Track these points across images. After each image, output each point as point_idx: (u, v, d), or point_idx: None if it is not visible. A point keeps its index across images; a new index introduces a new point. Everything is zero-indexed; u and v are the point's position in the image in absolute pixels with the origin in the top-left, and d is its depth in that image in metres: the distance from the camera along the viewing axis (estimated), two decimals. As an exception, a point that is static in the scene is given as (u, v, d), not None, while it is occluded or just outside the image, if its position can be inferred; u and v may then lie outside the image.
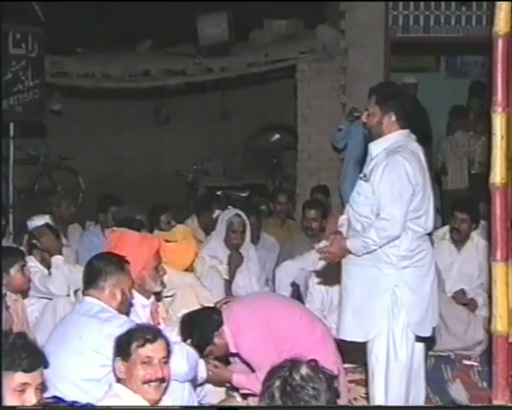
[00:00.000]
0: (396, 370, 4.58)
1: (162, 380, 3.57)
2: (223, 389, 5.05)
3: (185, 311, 5.08)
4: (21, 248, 5.57)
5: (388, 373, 4.58)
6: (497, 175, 4.11)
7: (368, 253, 4.53)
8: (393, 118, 4.60)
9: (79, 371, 3.85)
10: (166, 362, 3.59)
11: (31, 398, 3.02)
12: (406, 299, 4.57)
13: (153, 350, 3.54)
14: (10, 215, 8.11)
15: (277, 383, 2.61)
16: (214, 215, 6.87)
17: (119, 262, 4.17)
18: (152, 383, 3.51)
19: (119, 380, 3.58)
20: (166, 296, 5.12)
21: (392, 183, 4.47)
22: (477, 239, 6.41)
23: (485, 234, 6.54)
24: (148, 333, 3.59)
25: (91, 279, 4.13)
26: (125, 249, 4.47)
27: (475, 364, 5.81)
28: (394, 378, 4.58)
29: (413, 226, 4.55)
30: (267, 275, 7.02)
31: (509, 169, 4.10)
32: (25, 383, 3.01)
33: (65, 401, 2.90)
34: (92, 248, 6.79)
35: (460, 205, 6.56)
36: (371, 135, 4.66)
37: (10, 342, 3.08)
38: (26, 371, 3.01)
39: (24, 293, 5.18)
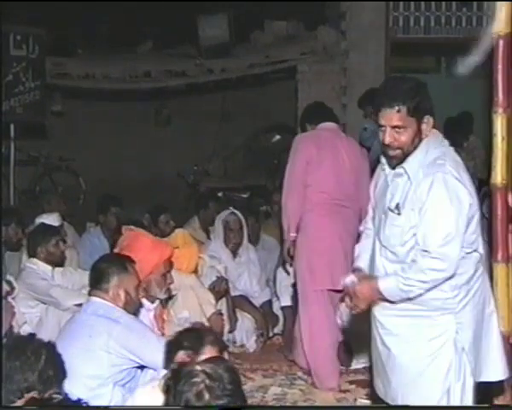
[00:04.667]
0: None
1: None
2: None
3: (186, 312, 5.08)
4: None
5: None
6: (498, 176, 4.11)
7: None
8: (431, 120, 3.65)
9: (87, 368, 3.86)
10: None
11: None
12: (467, 342, 3.64)
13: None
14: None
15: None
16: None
17: (121, 263, 4.16)
18: None
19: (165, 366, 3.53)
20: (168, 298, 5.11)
21: (442, 212, 3.48)
22: None
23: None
24: (221, 342, 3.60)
25: (96, 281, 4.15)
26: (136, 251, 4.45)
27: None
28: None
29: (467, 250, 3.61)
30: (268, 276, 7.02)
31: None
32: None
33: (69, 399, 2.90)
34: (93, 249, 6.78)
35: None
36: (404, 156, 3.60)
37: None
38: None
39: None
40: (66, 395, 2.90)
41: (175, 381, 2.52)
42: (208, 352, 3.44)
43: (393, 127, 3.57)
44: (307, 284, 5.50)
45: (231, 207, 6.89)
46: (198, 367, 2.52)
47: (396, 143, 3.58)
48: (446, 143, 3.72)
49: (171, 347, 3.49)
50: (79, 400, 2.89)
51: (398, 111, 3.55)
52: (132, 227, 5.20)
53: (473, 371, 3.64)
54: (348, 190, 5.52)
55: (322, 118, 5.67)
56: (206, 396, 2.47)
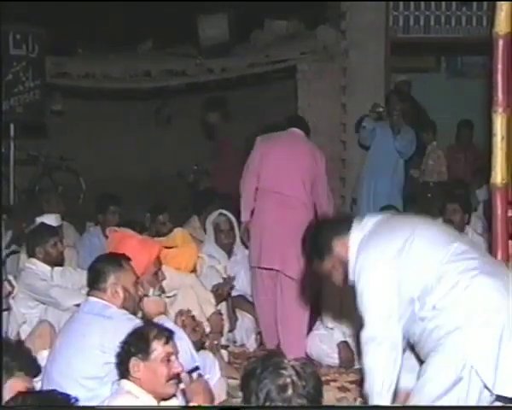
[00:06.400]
0: None
1: (179, 376, 3.60)
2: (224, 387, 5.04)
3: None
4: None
5: None
6: (498, 175, 4.12)
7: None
8: (338, 242, 3.83)
9: (83, 369, 3.86)
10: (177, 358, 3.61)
11: None
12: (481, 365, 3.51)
13: (172, 347, 3.54)
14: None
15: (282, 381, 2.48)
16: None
17: (116, 261, 4.18)
18: (173, 380, 3.51)
19: (123, 377, 3.55)
20: (167, 297, 5.11)
21: (361, 294, 3.70)
22: (471, 234, 6.35)
23: (480, 230, 6.52)
24: (165, 330, 3.59)
25: (93, 282, 4.16)
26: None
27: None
28: None
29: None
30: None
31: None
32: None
33: (61, 394, 2.90)
34: (93, 249, 6.78)
35: (450, 196, 6.68)
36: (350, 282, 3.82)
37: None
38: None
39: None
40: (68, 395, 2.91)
41: (263, 366, 2.51)
42: (157, 346, 3.48)
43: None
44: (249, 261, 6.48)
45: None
46: (287, 361, 2.53)
47: (335, 280, 3.90)
48: (368, 225, 3.80)
49: (122, 357, 3.51)
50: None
51: (315, 268, 3.95)
52: (116, 228, 5.20)
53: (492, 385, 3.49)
54: (293, 182, 6.22)
55: (289, 125, 6.60)
56: (289, 391, 2.47)
